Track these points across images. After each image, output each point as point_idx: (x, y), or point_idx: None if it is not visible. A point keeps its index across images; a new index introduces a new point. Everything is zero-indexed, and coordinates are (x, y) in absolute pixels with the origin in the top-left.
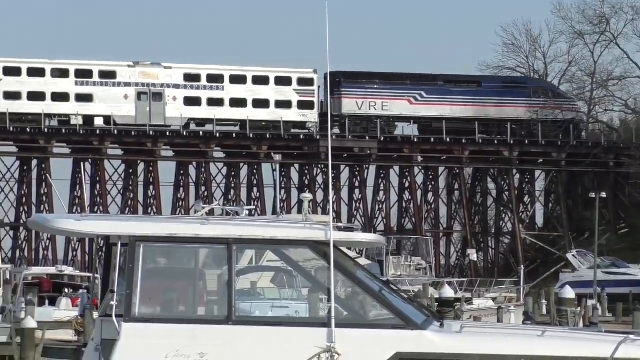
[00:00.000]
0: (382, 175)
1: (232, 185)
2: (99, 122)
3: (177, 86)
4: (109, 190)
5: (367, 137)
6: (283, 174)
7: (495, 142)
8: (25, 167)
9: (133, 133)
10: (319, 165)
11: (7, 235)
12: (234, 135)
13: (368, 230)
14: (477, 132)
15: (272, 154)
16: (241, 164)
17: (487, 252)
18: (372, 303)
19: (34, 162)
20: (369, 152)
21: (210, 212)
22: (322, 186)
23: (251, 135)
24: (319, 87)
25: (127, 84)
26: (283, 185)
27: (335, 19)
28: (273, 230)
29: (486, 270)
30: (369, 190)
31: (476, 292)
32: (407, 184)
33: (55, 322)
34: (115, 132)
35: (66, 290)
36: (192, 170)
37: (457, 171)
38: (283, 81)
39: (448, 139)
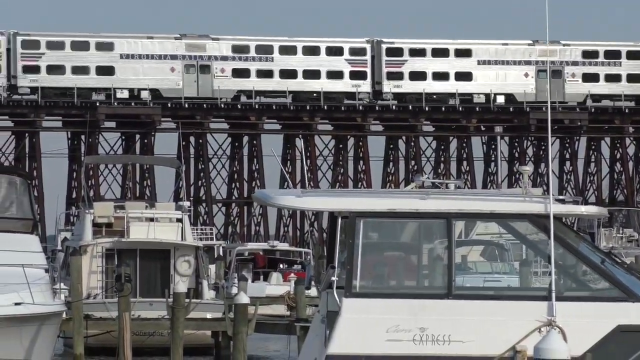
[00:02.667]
0: (593, 147)
1: (442, 158)
2: None
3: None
4: (319, 165)
5: (578, 109)
6: (493, 146)
7: None
8: (236, 144)
9: (343, 108)
10: (529, 138)
11: (219, 212)
12: (443, 108)
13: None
14: None
15: (481, 127)
16: (450, 138)
17: None
18: (593, 275)
19: (245, 139)
20: (579, 123)
21: (421, 186)
22: (532, 159)
23: (460, 109)
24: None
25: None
26: (493, 159)
27: None
28: (493, 204)
29: None
30: (580, 162)
31: None
32: (618, 156)
33: (267, 297)
34: (325, 107)
35: (281, 265)
36: (401, 145)
37: None
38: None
39: None
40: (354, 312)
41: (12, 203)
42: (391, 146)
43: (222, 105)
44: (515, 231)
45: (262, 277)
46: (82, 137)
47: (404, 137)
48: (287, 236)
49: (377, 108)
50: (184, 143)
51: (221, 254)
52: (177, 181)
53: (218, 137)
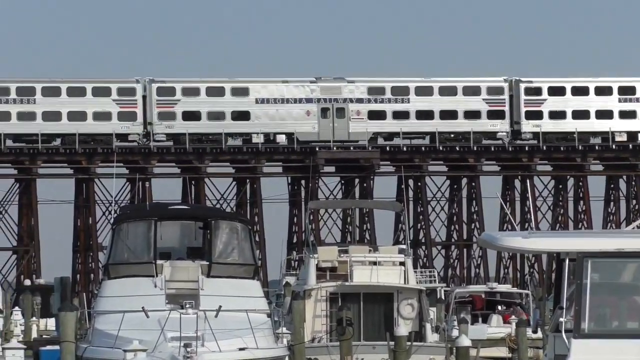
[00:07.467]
0: None
1: None
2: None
3: None
4: (539, 206)
5: None
6: None
7: None
8: (455, 186)
9: (562, 148)
10: None
11: (439, 254)
12: None
13: None
14: None
15: None
16: None
17: None
18: None
19: (464, 181)
20: None
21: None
22: None
23: None
24: None
25: None
26: None
27: None
28: None
29: None
30: None
31: None
32: None
33: (488, 339)
34: (544, 147)
35: (499, 307)
36: (622, 184)
37: None
38: None
39: None
40: (583, 354)
41: (233, 249)
42: (612, 185)
43: (441, 148)
44: None
45: (480, 319)
46: (302, 181)
47: (624, 177)
48: (507, 278)
49: (597, 147)
50: (402, 186)
51: (442, 296)
52: (397, 224)
53: (437, 179)
